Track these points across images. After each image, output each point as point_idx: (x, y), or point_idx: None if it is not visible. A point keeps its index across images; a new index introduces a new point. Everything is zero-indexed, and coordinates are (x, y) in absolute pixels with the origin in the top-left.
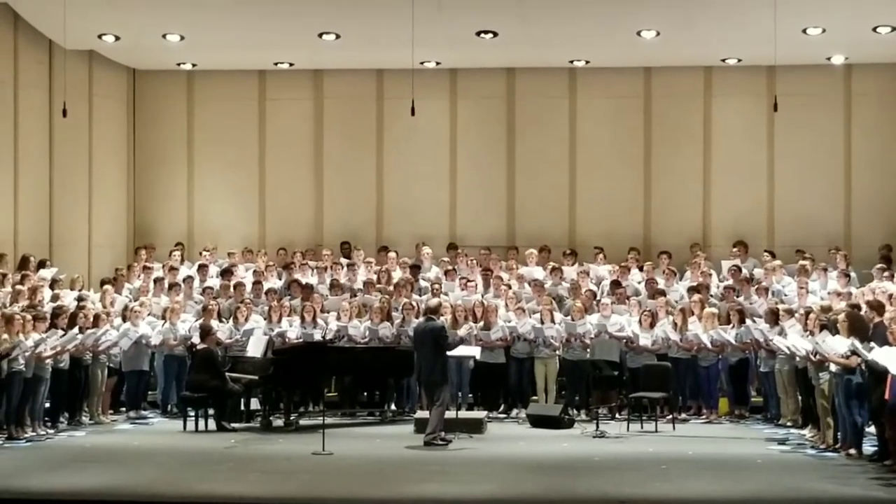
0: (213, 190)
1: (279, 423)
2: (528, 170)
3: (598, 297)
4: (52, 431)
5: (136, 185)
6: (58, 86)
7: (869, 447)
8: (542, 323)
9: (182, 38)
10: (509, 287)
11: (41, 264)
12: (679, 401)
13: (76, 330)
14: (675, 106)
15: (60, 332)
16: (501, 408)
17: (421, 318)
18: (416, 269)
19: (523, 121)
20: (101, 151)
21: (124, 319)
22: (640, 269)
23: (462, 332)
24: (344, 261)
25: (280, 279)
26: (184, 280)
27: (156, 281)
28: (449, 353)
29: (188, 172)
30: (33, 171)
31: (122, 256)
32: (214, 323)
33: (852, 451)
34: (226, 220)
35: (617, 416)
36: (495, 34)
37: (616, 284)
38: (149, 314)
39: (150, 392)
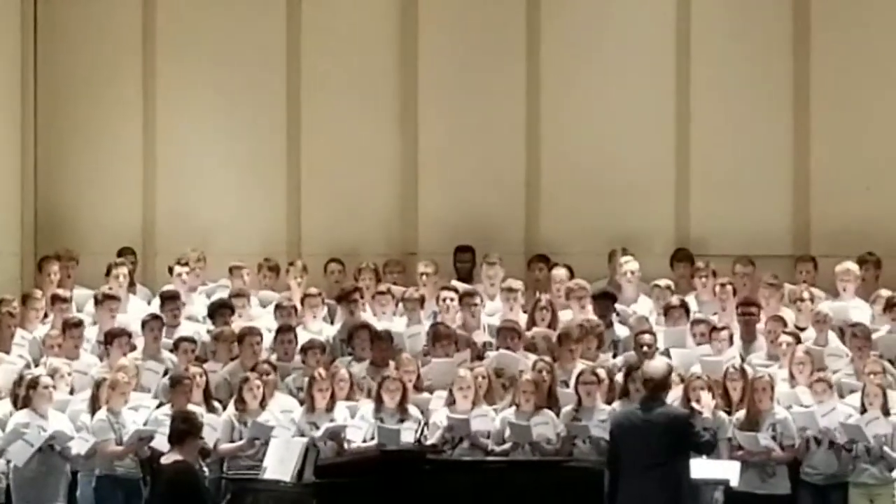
0: (194, 146)
1: None
2: (840, 108)
3: None
4: None
5: (39, 137)
6: None
7: None
8: (864, 411)
9: None
10: (797, 339)
11: None
12: None
13: None
14: None
15: None
16: None
17: (619, 403)
18: (606, 300)
19: (825, 7)
20: None
21: (16, 404)
22: None
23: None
24: (458, 285)
25: (331, 322)
26: (145, 324)
27: (74, 326)
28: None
29: (144, 113)
30: None
31: (13, 276)
32: (198, 410)
33: None
34: (223, 206)
35: None
36: None
37: None
38: (67, 392)
39: None
